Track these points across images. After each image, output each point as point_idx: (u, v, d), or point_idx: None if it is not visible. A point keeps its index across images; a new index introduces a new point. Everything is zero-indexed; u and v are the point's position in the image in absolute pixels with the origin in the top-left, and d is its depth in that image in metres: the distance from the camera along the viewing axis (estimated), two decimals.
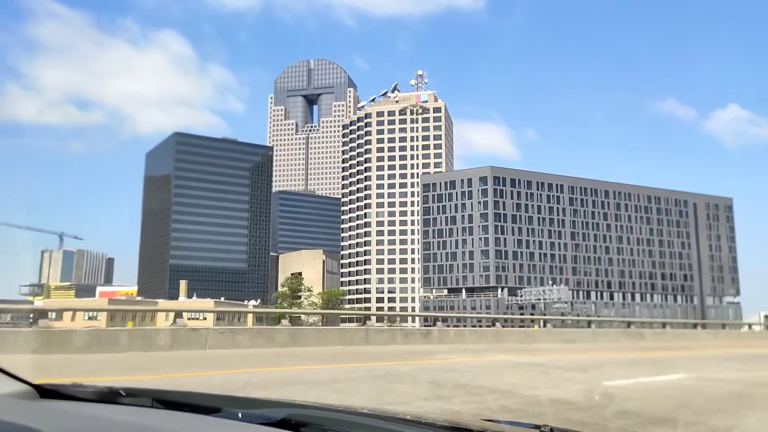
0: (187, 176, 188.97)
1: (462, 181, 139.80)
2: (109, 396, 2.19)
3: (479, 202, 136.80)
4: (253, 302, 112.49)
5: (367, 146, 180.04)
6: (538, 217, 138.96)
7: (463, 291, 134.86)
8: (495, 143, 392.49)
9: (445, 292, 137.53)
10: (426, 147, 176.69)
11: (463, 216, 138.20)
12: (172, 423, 1.99)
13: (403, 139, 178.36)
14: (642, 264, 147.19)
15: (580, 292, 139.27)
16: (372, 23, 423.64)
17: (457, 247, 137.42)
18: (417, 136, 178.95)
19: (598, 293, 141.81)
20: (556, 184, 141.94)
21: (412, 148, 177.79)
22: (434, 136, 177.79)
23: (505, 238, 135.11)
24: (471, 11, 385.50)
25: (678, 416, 7.00)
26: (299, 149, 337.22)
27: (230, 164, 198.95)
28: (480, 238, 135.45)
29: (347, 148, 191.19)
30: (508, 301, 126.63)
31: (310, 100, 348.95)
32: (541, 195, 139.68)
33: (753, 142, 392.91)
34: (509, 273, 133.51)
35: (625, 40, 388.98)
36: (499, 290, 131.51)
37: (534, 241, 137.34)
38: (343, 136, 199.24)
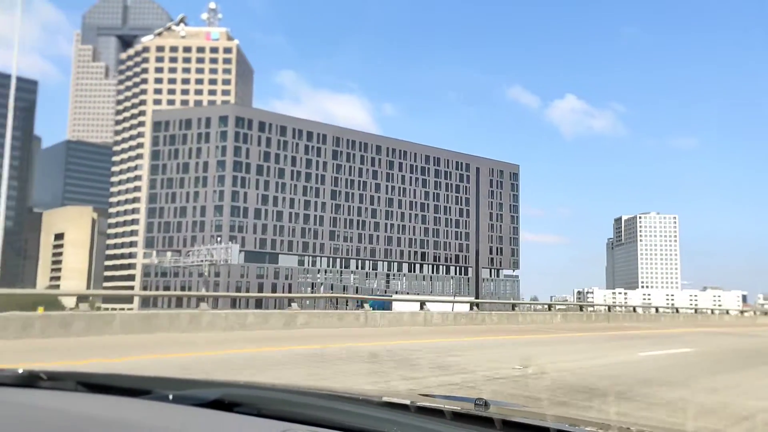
0: None
1: (200, 120, 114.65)
2: (29, 380, 2.00)
3: (217, 147, 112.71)
4: None
5: (143, 86, 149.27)
6: (292, 171, 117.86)
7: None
8: (353, 115, 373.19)
9: (169, 255, 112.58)
10: (213, 92, 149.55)
11: (197, 163, 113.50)
12: (97, 407, 1.81)
13: (186, 81, 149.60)
14: (413, 231, 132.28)
15: (338, 260, 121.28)
16: None
17: (188, 201, 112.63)
18: (204, 79, 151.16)
19: (359, 262, 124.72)
20: (318, 134, 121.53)
21: (197, 92, 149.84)
22: (223, 80, 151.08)
23: (246, 193, 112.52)
24: None
25: None
26: (107, 96, 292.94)
27: None
28: (215, 191, 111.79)
29: (122, 87, 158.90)
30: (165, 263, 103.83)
31: (126, 42, 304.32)
32: (298, 145, 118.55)
33: (587, 132, 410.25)
34: (248, 234, 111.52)
35: (482, 24, 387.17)
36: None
37: (284, 198, 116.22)
38: (119, 73, 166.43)
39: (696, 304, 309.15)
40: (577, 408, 6.21)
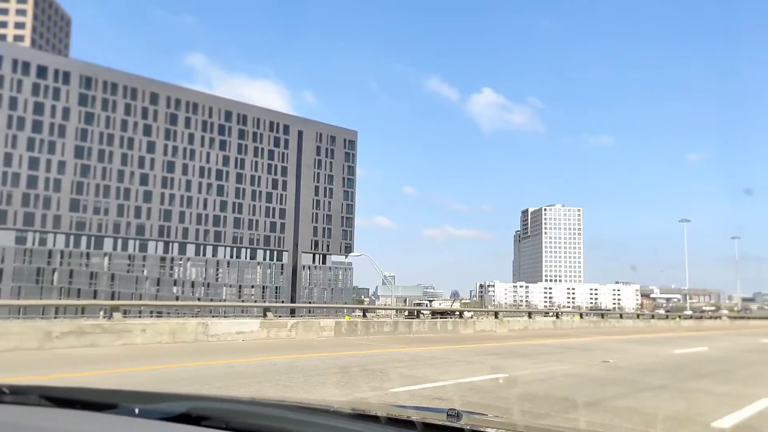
0: None
1: None
2: None
3: None
4: None
5: None
6: (15, 117, 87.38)
7: None
8: (270, 102, 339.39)
9: None
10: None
11: None
12: (61, 422, 1.74)
13: None
14: (204, 204, 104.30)
15: (84, 238, 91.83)
16: None
17: None
18: None
19: (118, 241, 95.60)
20: (62, 71, 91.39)
21: None
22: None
23: None
24: None
25: None
26: None
27: None
28: None
29: None
30: None
31: None
32: (39, 86, 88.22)
33: (505, 127, 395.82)
34: None
35: (401, 13, 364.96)
36: None
37: (15, 155, 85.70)
38: None
39: (596, 299, 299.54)
40: None
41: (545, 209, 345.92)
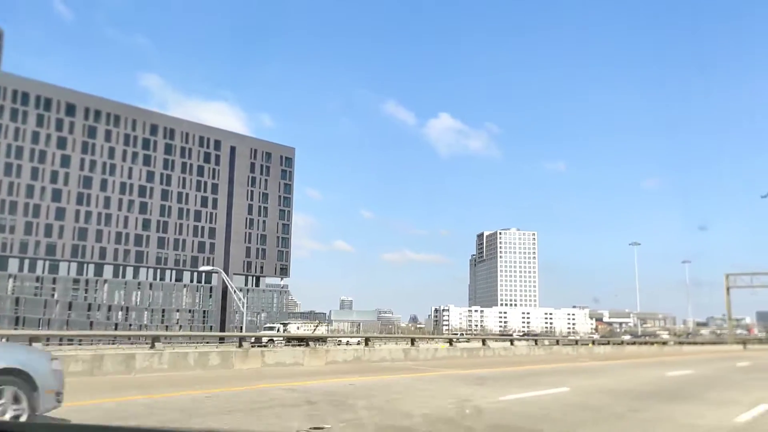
0: None
1: None
2: None
3: None
4: None
5: None
6: None
7: None
8: (226, 125, 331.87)
9: None
10: None
11: None
12: None
13: None
14: (125, 222, 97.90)
15: None
16: None
17: None
18: None
19: (25, 262, 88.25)
20: None
21: None
22: None
23: None
24: None
25: None
26: None
27: None
28: None
29: None
30: None
31: None
32: None
33: (462, 152, 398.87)
34: None
35: (360, 36, 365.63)
36: None
37: None
38: None
39: (551, 323, 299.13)
40: None
41: (500, 233, 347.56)
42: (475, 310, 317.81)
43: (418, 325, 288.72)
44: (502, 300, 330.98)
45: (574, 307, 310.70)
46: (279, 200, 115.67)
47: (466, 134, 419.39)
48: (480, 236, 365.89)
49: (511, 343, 31.03)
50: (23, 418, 5.23)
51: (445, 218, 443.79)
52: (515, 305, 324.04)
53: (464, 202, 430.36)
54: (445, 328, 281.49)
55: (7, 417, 5.07)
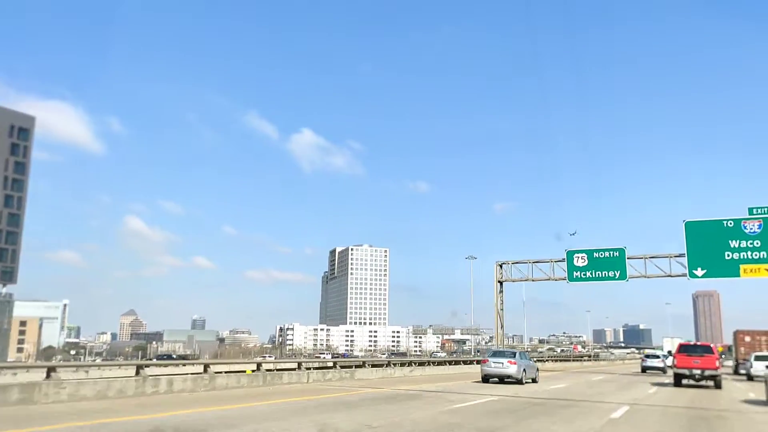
0: None
1: None
2: None
3: None
4: None
5: None
6: None
7: None
8: (64, 127, 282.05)
9: None
10: None
11: None
12: None
13: None
14: None
15: None
16: None
17: None
18: None
19: None
20: None
21: None
22: None
23: None
24: None
25: None
26: None
27: None
28: None
29: None
30: None
31: None
32: None
33: (326, 168, 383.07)
34: None
35: (221, 43, 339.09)
36: None
37: None
38: None
39: (398, 341, 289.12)
40: None
41: (352, 249, 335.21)
42: (321, 329, 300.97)
43: (264, 345, 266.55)
44: (351, 318, 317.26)
45: (430, 326, 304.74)
46: (5, 182, 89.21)
47: (330, 151, 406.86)
48: (332, 252, 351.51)
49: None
50: None
51: (309, 236, 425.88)
52: (365, 323, 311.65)
53: (327, 219, 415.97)
54: (288, 347, 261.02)
55: None
